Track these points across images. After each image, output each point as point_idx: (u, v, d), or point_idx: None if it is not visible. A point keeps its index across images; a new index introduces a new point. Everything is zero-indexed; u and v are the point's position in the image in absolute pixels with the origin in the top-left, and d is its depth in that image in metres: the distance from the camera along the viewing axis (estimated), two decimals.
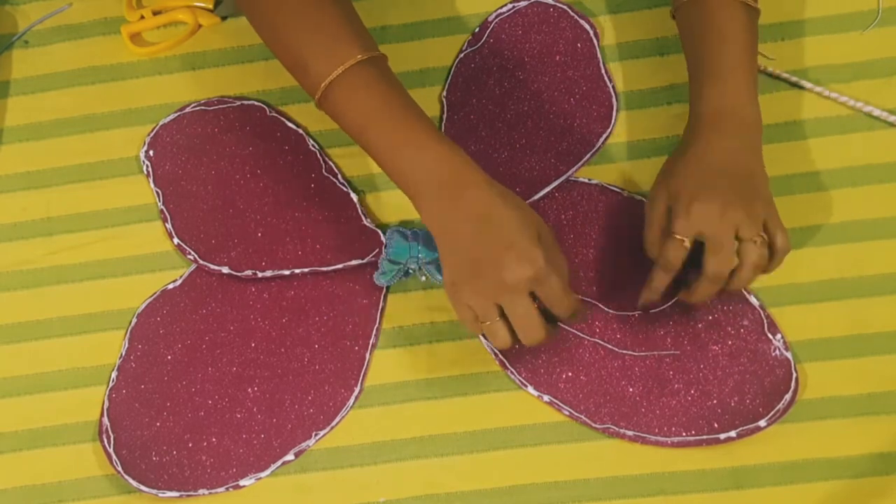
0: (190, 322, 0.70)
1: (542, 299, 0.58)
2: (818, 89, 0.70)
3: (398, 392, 0.67)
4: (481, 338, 0.67)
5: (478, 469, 0.66)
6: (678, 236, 0.59)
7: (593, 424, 0.65)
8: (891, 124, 0.69)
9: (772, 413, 0.64)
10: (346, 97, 0.60)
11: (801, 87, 0.70)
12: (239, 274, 0.70)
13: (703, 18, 0.63)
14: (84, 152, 0.75)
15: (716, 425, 0.64)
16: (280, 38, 0.63)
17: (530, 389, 0.66)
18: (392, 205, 0.71)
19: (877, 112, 0.69)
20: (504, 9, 0.75)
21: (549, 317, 0.60)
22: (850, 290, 0.67)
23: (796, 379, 0.64)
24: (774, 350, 0.65)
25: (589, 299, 0.67)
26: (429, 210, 0.60)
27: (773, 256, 0.60)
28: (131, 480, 0.66)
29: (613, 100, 0.72)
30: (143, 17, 0.76)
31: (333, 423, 0.67)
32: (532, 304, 0.58)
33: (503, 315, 0.58)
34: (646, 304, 0.65)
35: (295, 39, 0.61)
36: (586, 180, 0.70)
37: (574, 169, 0.70)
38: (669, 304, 0.65)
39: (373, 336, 0.68)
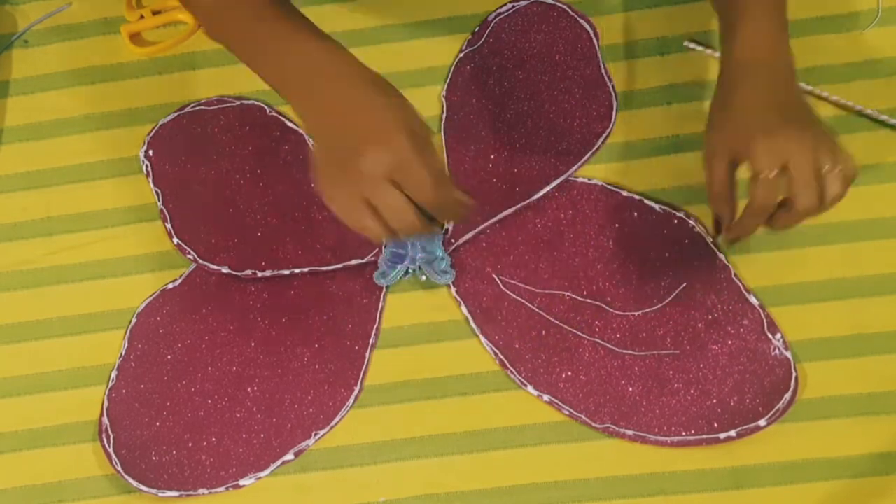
0: (190, 322, 0.70)
1: (407, 191, 0.53)
2: (817, 91, 0.70)
3: (398, 392, 0.67)
4: (481, 337, 0.67)
5: (478, 469, 0.66)
6: (765, 174, 0.56)
7: (593, 424, 0.65)
8: (886, 124, 0.69)
9: (772, 413, 0.64)
10: (225, 13, 0.58)
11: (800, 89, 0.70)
12: (239, 274, 0.70)
13: None
14: (84, 152, 0.75)
15: (716, 425, 0.64)
16: None
17: (530, 389, 0.66)
18: None
19: (875, 114, 0.69)
20: (504, 8, 0.75)
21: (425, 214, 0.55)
22: (850, 290, 0.67)
23: (796, 378, 0.64)
24: (774, 350, 0.65)
25: (589, 300, 0.67)
26: (298, 104, 0.56)
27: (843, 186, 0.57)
28: (131, 480, 0.66)
29: (613, 99, 0.72)
30: (142, 17, 0.76)
31: (333, 422, 0.67)
32: (399, 192, 0.53)
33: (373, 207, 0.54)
34: (732, 240, 0.62)
35: None
36: (586, 180, 0.70)
37: (574, 169, 0.70)
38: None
39: (373, 336, 0.68)
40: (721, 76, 0.62)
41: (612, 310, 0.67)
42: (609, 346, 0.66)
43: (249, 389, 0.68)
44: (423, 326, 0.69)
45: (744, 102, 0.59)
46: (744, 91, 0.59)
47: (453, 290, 0.69)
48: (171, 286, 0.71)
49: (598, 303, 0.67)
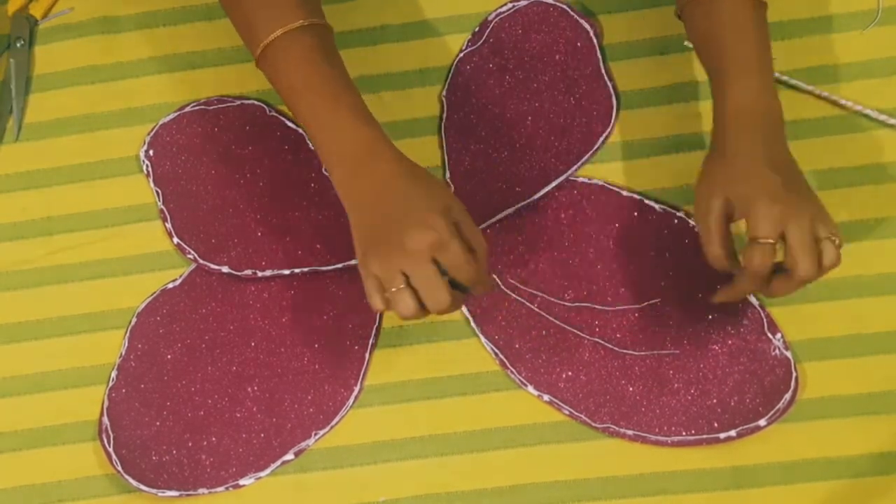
0: (190, 321, 0.70)
1: (445, 267, 0.56)
2: (817, 91, 0.70)
3: (398, 392, 0.67)
4: (481, 337, 0.67)
5: (478, 469, 0.66)
6: (764, 240, 0.57)
7: (593, 424, 0.65)
8: (886, 124, 0.69)
9: (772, 412, 0.64)
10: (280, 60, 0.61)
11: (799, 89, 0.70)
12: (239, 273, 0.70)
13: (714, 17, 0.62)
14: (84, 152, 0.74)
15: (716, 425, 0.64)
16: None
17: (530, 389, 0.66)
18: None
19: (874, 114, 0.69)
20: (504, 8, 0.74)
21: (457, 287, 0.58)
22: (850, 290, 0.67)
23: (796, 378, 0.64)
24: (774, 349, 0.65)
25: (587, 304, 0.67)
26: (339, 182, 0.60)
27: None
28: (131, 480, 0.66)
29: (613, 99, 0.72)
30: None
31: (333, 422, 0.67)
32: (436, 270, 0.56)
33: (410, 285, 0.57)
34: (720, 303, 0.63)
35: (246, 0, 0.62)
36: (586, 180, 0.70)
37: (574, 168, 0.70)
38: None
39: (373, 336, 0.68)
40: (714, 131, 0.62)
41: (609, 308, 0.67)
42: (609, 346, 0.66)
43: (249, 389, 0.68)
44: (423, 326, 0.69)
45: (741, 156, 0.59)
46: (739, 147, 0.60)
47: None
48: (171, 286, 0.71)
49: (595, 305, 0.67)
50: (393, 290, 0.56)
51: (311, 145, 0.71)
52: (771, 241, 0.56)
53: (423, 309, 0.57)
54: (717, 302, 0.62)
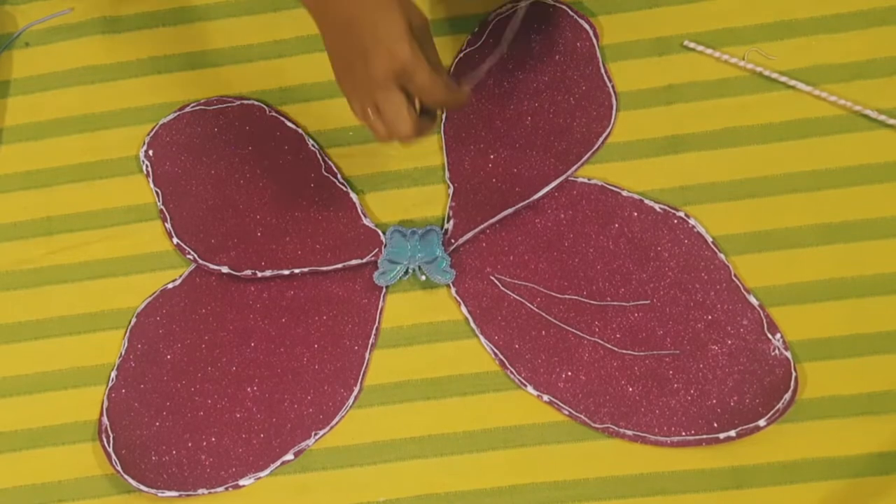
0: (189, 322, 0.70)
1: (413, 92, 0.58)
2: (817, 91, 0.70)
3: (398, 392, 0.67)
4: (481, 337, 0.67)
5: (478, 469, 0.66)
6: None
7: (593, 424, 0.65)
8: (886, 124, 0.69)
9: (771, 413, 0.64)
10: None
11: (799, 89, 0.70)
12: (238, 274, 0.70)
13: None
14: (84, 152, 0.75)
15: (715, 425, 0.64)
16: None
17: (530, 389, 0.66)
18: (392, 205, 0.71)
19: (874, 114, 0.69)
20: (504, 9, 0.74)
21: (427, 111, 0.61)
22: (850, 290, 0.67)
23: (796, 378, 0.64)
24: (774, 350, 0.65)
25: (584, 299, 0.67)
26: (314, 12, 0.60)
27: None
28: (131, 480, 0.66)
29: (613, 99, 0.72)
30: None
31: (333, 422, 0.67)
32: (402, 97, 0.57)
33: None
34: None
35: None
36: (586, 180, 0.70)
37: (574, 168, 0.70)
38: None
39: (373, 336, 0.68)
40: None
41: (611, 302, 0.67)
42: (609, 346, 0.66)
43: (249, 389, 0.68)
44: (423, 326, 0.69)
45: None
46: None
47: (453, 290, 0.69)
48: (171, 286, 0.71)
49: (597, 302, 0.67)
50: (366, 120, 0.59)
51: (309, 143, 0.71)
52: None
53: (394, 132, 0.59)
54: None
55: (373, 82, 0.57)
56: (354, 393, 0.67)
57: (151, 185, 0.73)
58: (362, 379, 0.68)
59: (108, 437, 0.67)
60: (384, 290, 0.69)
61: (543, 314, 0.67)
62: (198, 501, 0.66)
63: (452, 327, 0.68)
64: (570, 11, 0.74)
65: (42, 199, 0.74)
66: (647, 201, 0.69)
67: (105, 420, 0.68)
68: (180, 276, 0.71)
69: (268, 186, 0.72)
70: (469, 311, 0.68)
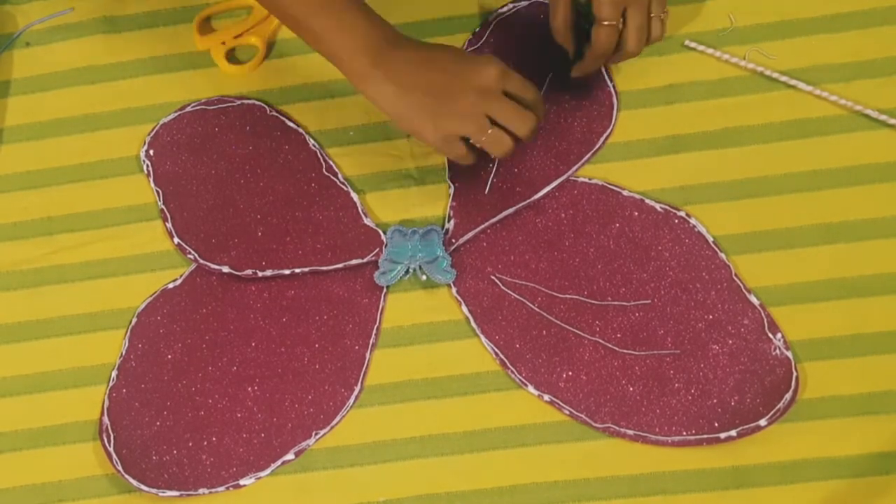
0: (190, 321, 0.70)
1: (515, 91, 0.60)
2: (817, 91, 0.70)
3: (398, 392, 0.67)
4: (481, 337, 0.67)
5: (478, 469, 0.66)
6: (608, 22, 0.63)
7: (594, 424, 0.65)
8: (886, 124, 0.69)
9: (772, 412, 0.64)
10: None
11: (799, 89, 0.70)
12: (239, 273, 0.70)
13: None
14: (84, 152, 0.75)
15: (716, 424, 0.64)
16: None
17: (530, 389, 0.66)
18: (392, 204, 0.71)
19: (874, 114, 0.69)
20: (504, 9, 0.75)
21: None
22: (850, 290, 0.67)
23: (796, 378, 0.64)
24: (775, 349, 0.65)
25: (584, 298, 0.67)
26: (362, 76, 0.60)
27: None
28: (131, 480, 0.66)
29: (614, 99, 0.72)
30: (224, 43, 0.75)
31: (333, 422, 0.67)
32: (512, 101, 0.60)
33: (493, 124, 0.60)
34: (576, 79, 0.70)
35: None
36: (586, 180, 0.70)
37: (574, 168, 0.70)
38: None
39: (373, 336, 0.68)
40: None
41: (612, 302, 0.67)
42: (609, 345, 0.66)
43: (250, 389, 0.68)
44: (423, 326, 0.69)
45: None
46: None
47: (453, 289, 0.69)
48: (171, 286, 0.71)
49: (598, 302, 0.67)
50: (483, 138, 0.60)
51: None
52: (614, 22, 0.63)
53: (515, 140, 0.61)
54: (574, 76, 0.69)
55: (484, 92, 0.59)
56: (355, 393, 0.67)
57: (152, 185, 0.73)
58: (363, 379, 0.68)
59: (108, 437, 0.67)
60: (385, 289, 0.69)
61: (544, 314, 0.67)
62: (198, 501, 0.66)
63: (453, 327, 0.68)
64: None
65: (42, 199, 0.74)
66: (647, 201, 0.69)
67: (106, 420, 0.68)
68: (181, 276, 0.71)
69: (268, 186, 0.72)
70: (470, 311, 0.68)
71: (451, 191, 0.70)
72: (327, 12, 0.60)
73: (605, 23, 0.63)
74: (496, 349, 0.67)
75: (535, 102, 0.62)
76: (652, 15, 0.64)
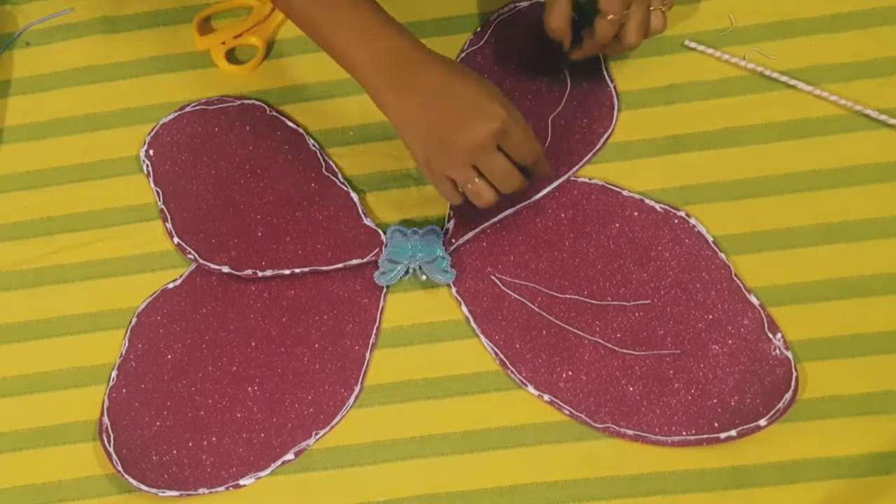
0: (190, 321, 0.70)
1: (510, 150, 0.60)
2: (817, 91, 0.70)
3: (398, 392, 0.67)
4: (481, 337, 0.67)
5: (478, 469, 0.66)
6: (612, 17, 0.63)
7: (594, 424, 0.65)
8: (886, 124, 0.69)
9: (772, 412, 0.64)
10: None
11: (799, 89, 0.70)
12: (239, 273, 0.70)
13: None
14: (84, 152, 0.75)
15: (716, 424, 0.64)
16: None
17: (530, 389, 0.66)
18: (392, 204, 0.71)
19: (874, 114, 0.69)
20: (505, 9, 0.75)
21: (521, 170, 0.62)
22: (850, 290, 0.67)
23: (796, 378, 0.64)
24: (774, 349, 0.65)
25: (584, 298, 0.67)
26: (381, 95, 0.61)
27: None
28: (131, 480, 0.66)
29: (614, 99, 0.72)
30: (224, 43, 0.75)
31: (333, 422, 0.67)
32: (503, 155, 0.60)
33: (480, 175, 0.60)
34: (574, 61, 0.69)
35: None
36: (586, 180, 0.70)
37: (575, 169, 0.70)
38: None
39: (373, 336, 0.68)
40: None
41: (611, 301, 0.67)
42: (609, 345, 0.66)
43: (250, 389, 0.68)
44: (423, 326, 0.69)
45: None
46: None
47: (453, 289, 0.69)
48: (171, 286, 0.71)
49: (598, 302, 0.67)
50: (469, 186, 0.60)
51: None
52: (619, 17, 0.63)
53: (498, 193, 0.61)
54: (573, 59, 0.69)
55: (476, 148, 0.58)
56: (355, 393, 0.67)
57: (152, 185, 0.73)
58: (363, 379, 0.68)
59: (108, 437, 0.67)
60: (385, 289, 0.69)
61: (544, 314, 0.67)
62: (198, 501, 0.66)
63: (453, 327, 0.68)
64: None
65: (42, 199, 0.74)
66: (647, 201, 0.69)
67: (106, 420, 0.68)
68: (181, 276, 0.71)
69: (268, 186, 0.72)
70: (469, 311, 0.68)
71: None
72: (348, 24, 0.60)
73: (610, 17, 0.63)
74: (496, 349, 0.67)
75: (536, 162, 0.61)
76: (652, 8, 0.64)
